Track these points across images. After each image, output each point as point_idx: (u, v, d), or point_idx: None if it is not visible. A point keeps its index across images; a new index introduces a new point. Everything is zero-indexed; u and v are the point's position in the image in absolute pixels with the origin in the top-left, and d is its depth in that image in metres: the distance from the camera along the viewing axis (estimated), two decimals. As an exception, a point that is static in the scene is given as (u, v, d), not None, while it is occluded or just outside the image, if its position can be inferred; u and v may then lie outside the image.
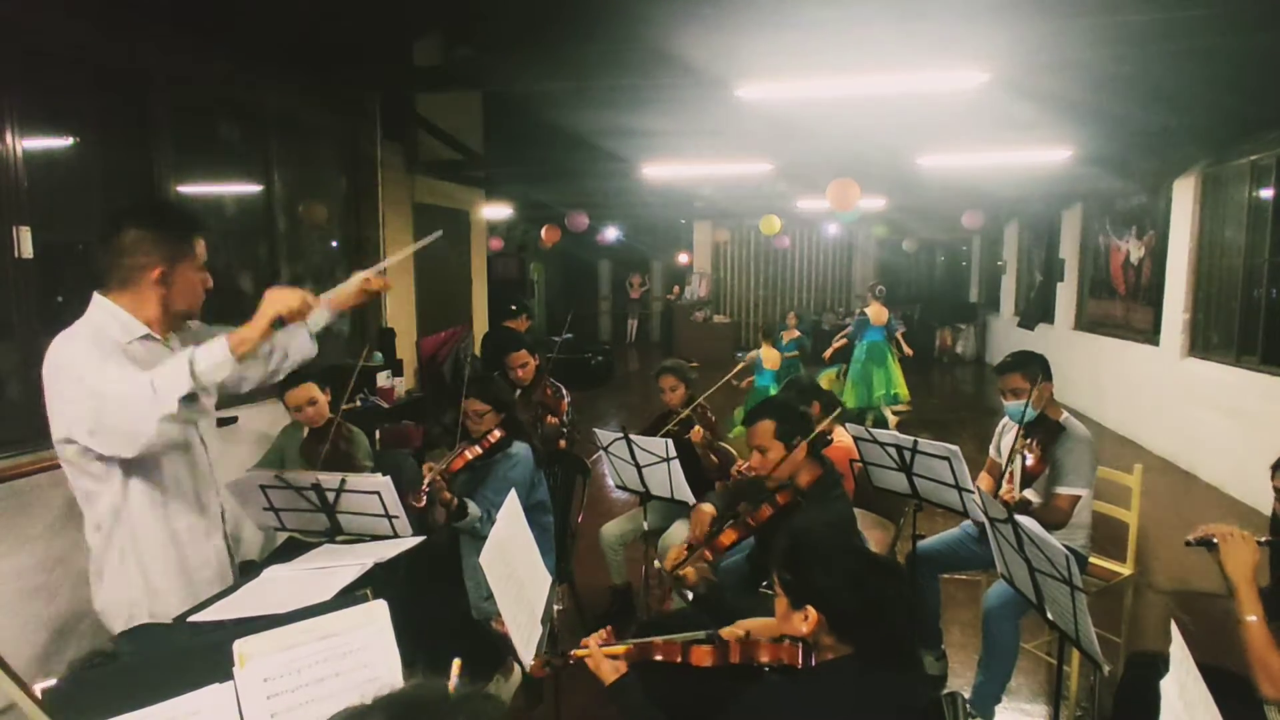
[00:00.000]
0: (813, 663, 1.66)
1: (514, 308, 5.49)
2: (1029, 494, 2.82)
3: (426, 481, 2.79)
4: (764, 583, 2.06)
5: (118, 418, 1.66)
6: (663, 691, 1.73)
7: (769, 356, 6.93)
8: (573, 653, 1.81)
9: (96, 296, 1.83)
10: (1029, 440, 2.85)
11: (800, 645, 1.67)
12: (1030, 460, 2.81)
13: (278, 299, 1.78)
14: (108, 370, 1.68)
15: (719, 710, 1.69)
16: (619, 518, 3.80)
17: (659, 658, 1.78)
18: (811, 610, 1.63)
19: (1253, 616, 1.80)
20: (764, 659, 1.70)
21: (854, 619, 1.61)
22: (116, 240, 1.80)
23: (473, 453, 2.97)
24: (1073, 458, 2.80)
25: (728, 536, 2.48)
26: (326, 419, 3.26)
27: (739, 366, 6.63)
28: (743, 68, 4.33)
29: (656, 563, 2.62)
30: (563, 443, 4.01)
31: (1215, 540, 1.91)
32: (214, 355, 1.70)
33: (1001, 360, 3.08)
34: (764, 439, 2.50)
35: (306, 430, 3.32)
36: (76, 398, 1.69)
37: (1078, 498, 2.79)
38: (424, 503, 2.78)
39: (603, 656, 1.75)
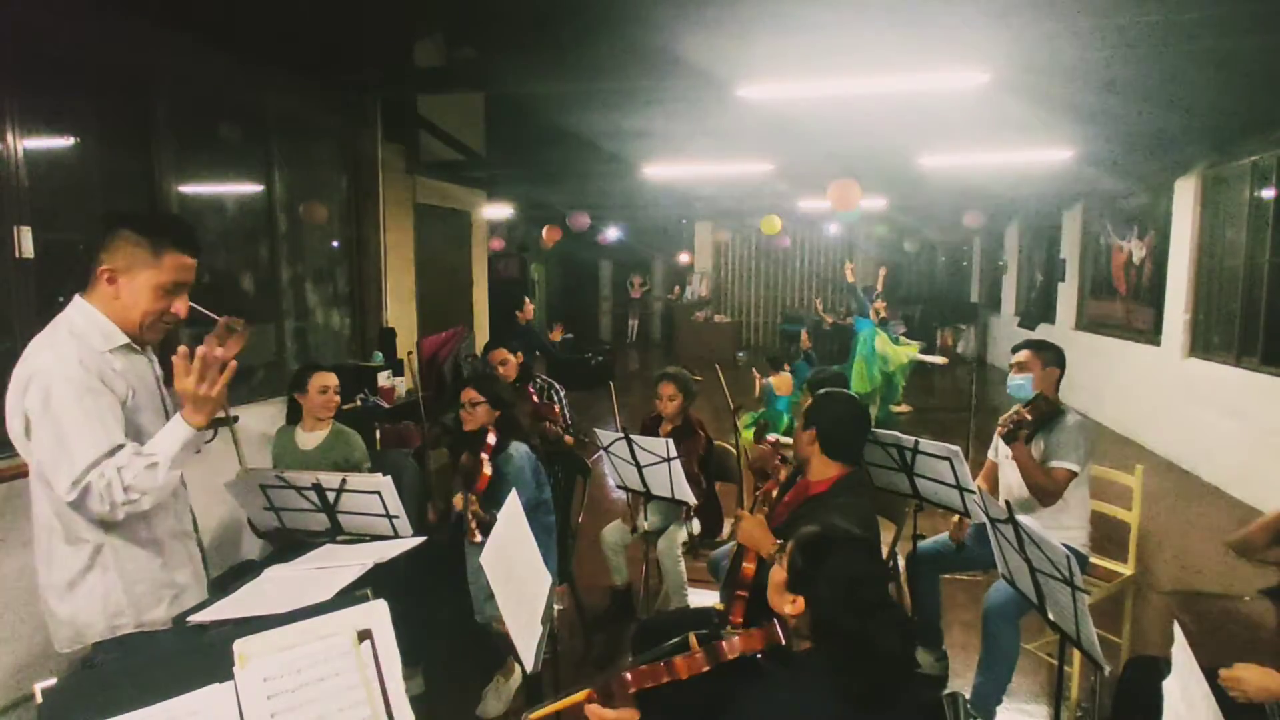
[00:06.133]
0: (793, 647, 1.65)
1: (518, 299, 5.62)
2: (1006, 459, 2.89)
3: (471, 515, 2.88)
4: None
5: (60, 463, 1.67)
6: (667, 703, 1.71)
7: (781, 384, 6.97)
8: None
9: (76, 298, 1.80)
10: (1026, 407, 2.87)
11: (778, 626, 1.65)
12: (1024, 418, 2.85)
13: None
14: (79, 413, 1.68)
15: (725, 707, 1.67)
16: (619, 519, 3.79)
17: (650, 685, 1.73)
18: (800, 601, 1.63)
19: None
20: (754, 648, 1.69)
21: (841, 639, 1.57)
22: (105, 242, 1.77)
23: (489, 468, 2.97)
24: (1065, 435, 2.82)
25: (771, 485, 2.59)
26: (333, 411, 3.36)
27: (751, 408, 6.65)
28: (744, 68, 4.33)
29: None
30: (570, 438, 3.98)
31: None
32: (179, 440, 1.73)
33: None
34: (807, 446, 2.52)
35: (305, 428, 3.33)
36: (45, 437, 1.68)
37: (1071, 473, 2.79)
38: (477, 539, 2.87)
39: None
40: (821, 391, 2.70)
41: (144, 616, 1.84)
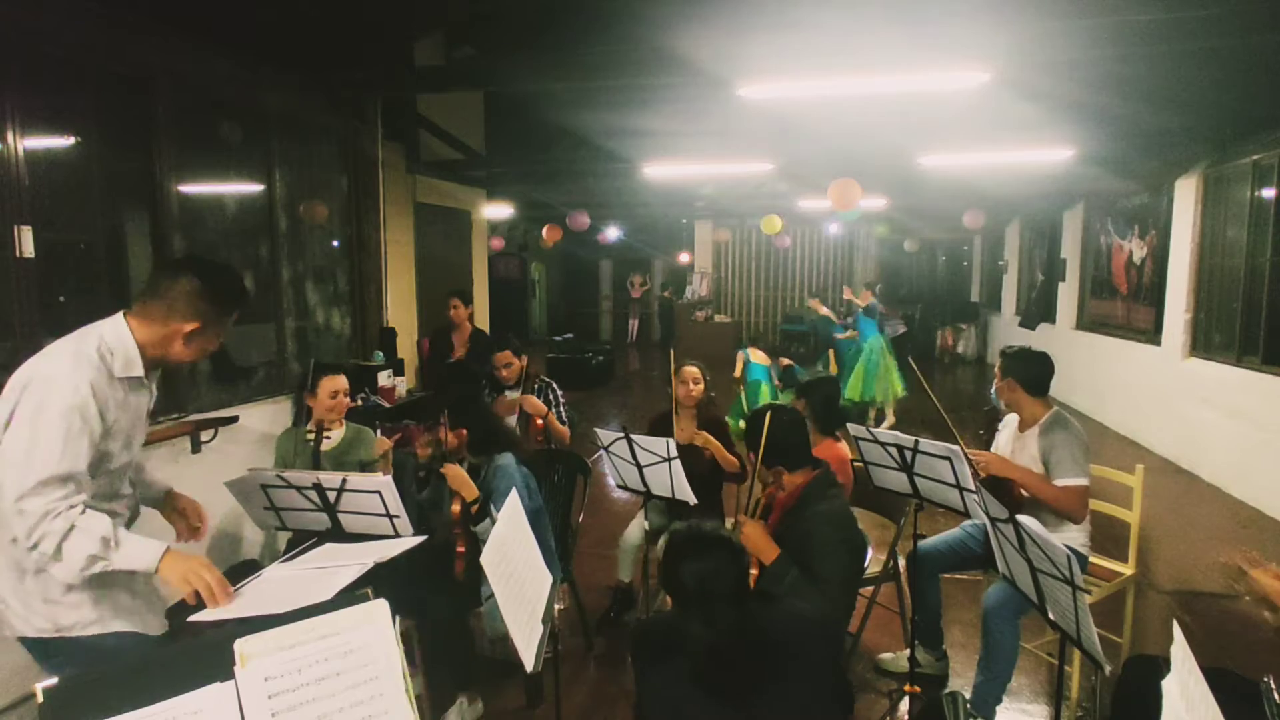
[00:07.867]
0: None
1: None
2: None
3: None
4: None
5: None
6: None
7: (757, 355, 6.94)
8: None
9: (119, 317, 1.80)
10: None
11: None
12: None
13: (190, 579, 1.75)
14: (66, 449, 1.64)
15: None
16: (638, 518, 3.75)
17: None
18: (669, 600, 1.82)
19: None
20: None
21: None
22: (173, 282, 1.78)
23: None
24: (1061, 452, 2.80)
25: (773, 489, 2.64)
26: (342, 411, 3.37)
27: (738, 371, 6.68)
28: (744, 67, 4.33)
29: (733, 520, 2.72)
30: (561, 427, 3.99)
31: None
32: (138, 559, 1.71)
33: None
34: (763, 469, 2.58)
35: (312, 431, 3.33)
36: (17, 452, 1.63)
37: (1081, 487, 2.78)
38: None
39: None
40: (749, 415, 2.72)
41: (63, 621, 1.77)
